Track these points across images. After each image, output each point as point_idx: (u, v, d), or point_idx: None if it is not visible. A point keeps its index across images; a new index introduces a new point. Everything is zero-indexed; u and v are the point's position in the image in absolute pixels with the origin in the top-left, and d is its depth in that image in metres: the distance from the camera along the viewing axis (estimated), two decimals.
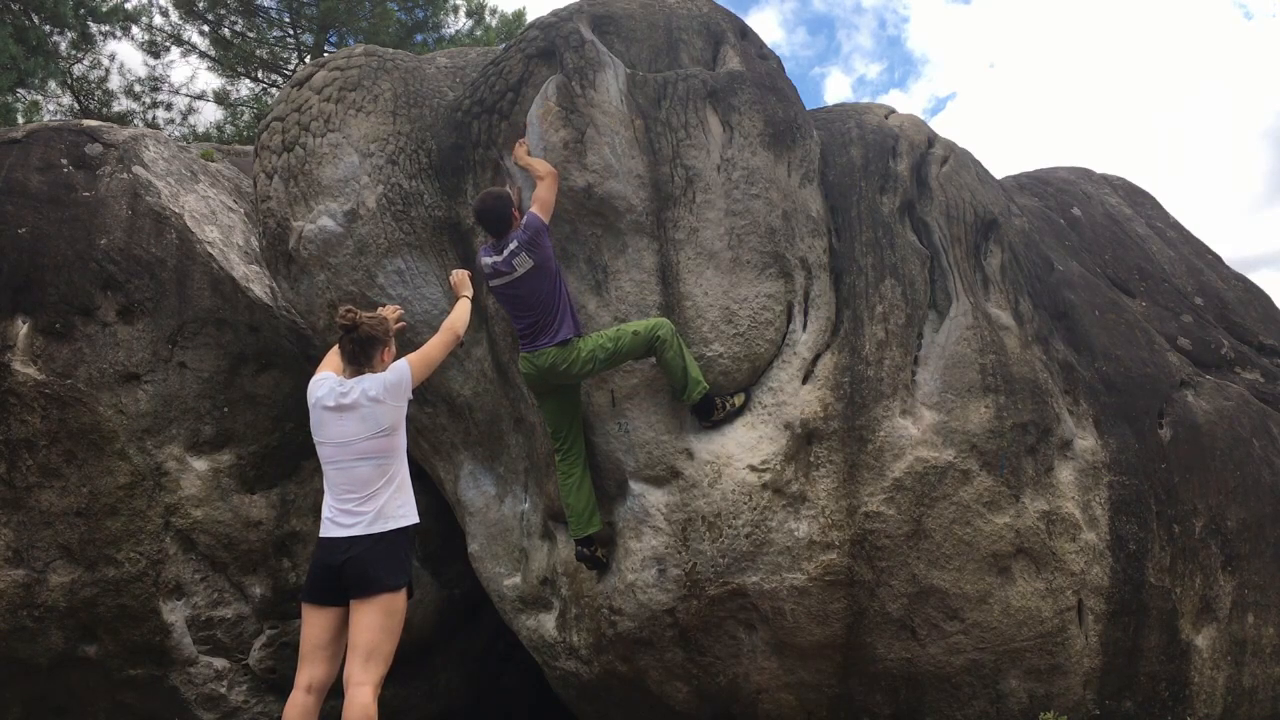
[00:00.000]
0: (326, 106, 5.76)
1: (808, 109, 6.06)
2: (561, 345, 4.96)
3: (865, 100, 10.13)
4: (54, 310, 6.18)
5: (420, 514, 4.32)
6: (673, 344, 5.03)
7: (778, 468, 5.10)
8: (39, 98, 16.39)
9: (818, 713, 5.40)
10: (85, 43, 16.70)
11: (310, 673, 4.01)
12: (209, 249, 6.68)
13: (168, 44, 17.54)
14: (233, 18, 17.76)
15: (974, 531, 5.18)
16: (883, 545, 5.12)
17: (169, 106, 17.98)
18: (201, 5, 17.37)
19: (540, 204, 5.01)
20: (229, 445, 6.38)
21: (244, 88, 18.20)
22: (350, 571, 3.96)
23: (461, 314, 4.67)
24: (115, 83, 17.65)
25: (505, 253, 4.96)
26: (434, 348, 4.42)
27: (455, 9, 18.22)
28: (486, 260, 5.05)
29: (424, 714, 6.86)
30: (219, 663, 6.30)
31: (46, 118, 15.67)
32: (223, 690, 6.29)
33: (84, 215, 6.45)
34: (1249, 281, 7.56)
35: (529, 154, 5.29)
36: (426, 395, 5.83)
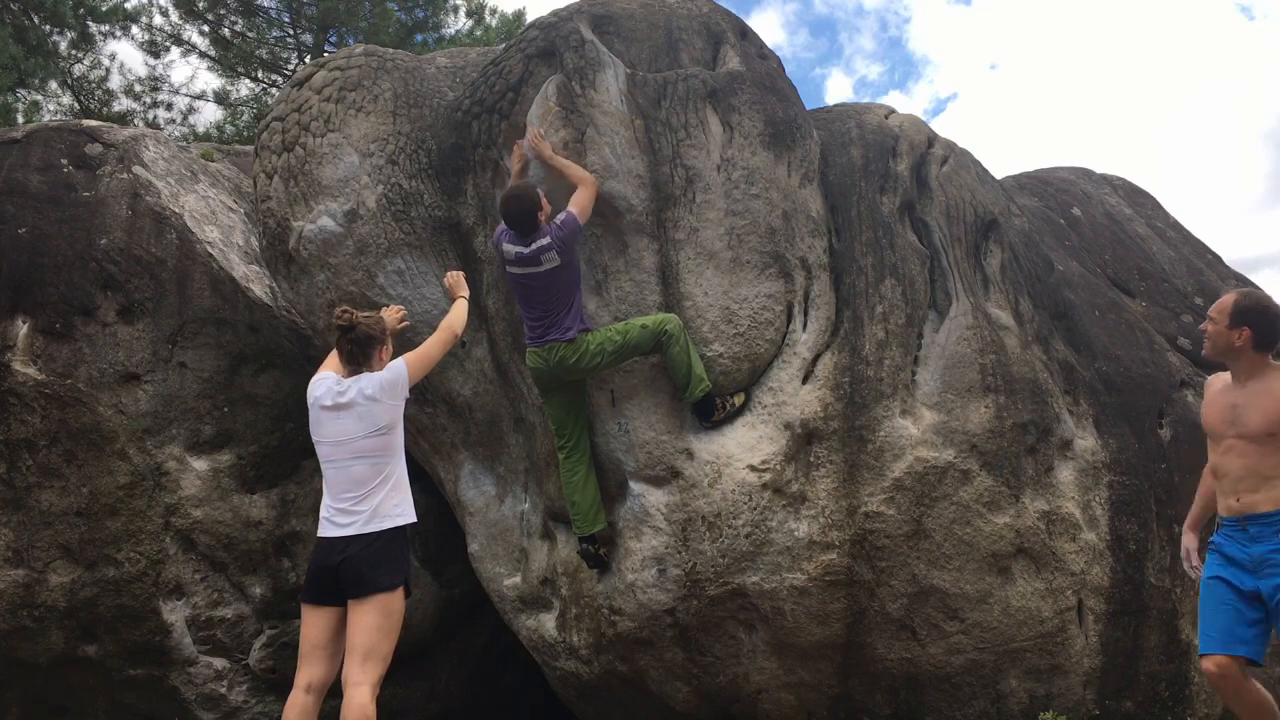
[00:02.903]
0: (326, 106, 5.76)
1: (808, 109, 6.06)
2: (571, 341, 4.97)
3: (866, 101, 10.13)
4: (54, 310, 6.18)
5: (420, 514, 4.31)
6: (679, 339, 5.04)
7: (778, 468, 5.10)
8: (39, 98, 16.42)
9: (818, 713, 5.40)
10: (85, 43, 16.71)
11: (309, 673, 4.01)
12: (209, 249, 6.69)
13: (168, 44, 17.56)
14: (233, 18, 17.77)
15: (974, 531, 5.18)
16: (883, 545, 5.12)
17: (169, 106, 18.00)
18: (201, 5, 17.38)
19: (579, 208, 4.98)
20: (229, 445, 6.38)
21: (244, 88, 18.22)
22: (347, 571, 3.96)
23: (459, 313, 4.67)
24: (115, 83, 17.68)
25: (533, 246, 4.93)
26: (432, 347, 4.42)
27: (455, 9, 18.23)
28: (510, 248, 5.01)
29: (424, 714, 6.86)
30: (219, 663, 6.30)
31: (46, 118, 15.68)
32: (223, 690, 6.29)
33: (84, 215, 6.45)
34: (1249, 282, 7.57)
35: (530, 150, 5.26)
36: (426, 395, 5.83)
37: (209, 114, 19.32)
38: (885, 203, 5.74)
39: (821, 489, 5.14)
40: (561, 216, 4.96)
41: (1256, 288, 4.35)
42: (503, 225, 5.11)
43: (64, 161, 6.68)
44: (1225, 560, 3.88)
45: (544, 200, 5.03)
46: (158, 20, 17.43)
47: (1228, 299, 4.02)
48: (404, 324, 4.72)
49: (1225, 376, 4.07)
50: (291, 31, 17.87)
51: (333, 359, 4.40)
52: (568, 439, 5.21)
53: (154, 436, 6.20)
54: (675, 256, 5.28)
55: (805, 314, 5.41)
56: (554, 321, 4.99)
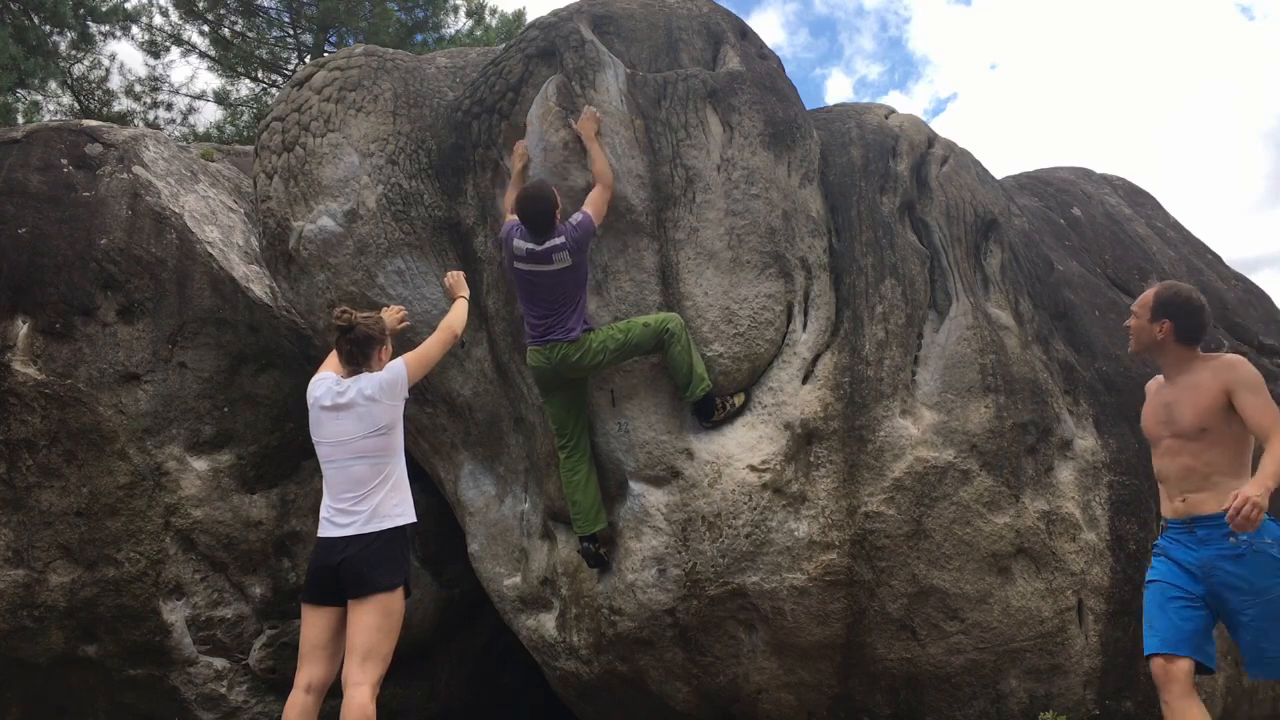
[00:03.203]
0: (326, 106, 5.76)
1: (808, 109, 6.06)
2: (574, 340, 4.97)
3: (866, 101, 10.13)
4: (54, 310, 6.18)
5: (420, 514, 4.31)
6: (681, 338, 5.04)
7: (778, 468, 5.10)
8: (39, 98, 16.43)
9: (818, 713, 5.40)
10: (85, 43, 16.72)
11: (310, 672, 4.01)
12: (209, 249, 6.69)
13: (168, 44, 17.57)
14: (233, 18, 17.79)
15: (974, 531, 5.18)
16: (883, 545, 5.12)
17: (169, 106, 18.01)
18: (201, 5, 17.39)
19: (595, 209, 5.00)
20: (229, 445, 6.38)
21: (244, 88, 18.23)
22: (346, 572, 3.96)
23: (459, 313, 4.67)
24: (115, 83, 17.69)
25: (546, 244, 4.92)
26: (431, 347, 4.42)
27: (455, 9, 18.24)
28: (521, 244, 4.99)
29: (424, 714, 6.86)
30: (219, 663, 6.30)
31: (46, 118, 15.68)
32: (223, 690, 6.29)
33: (84, 215, 6.45)
34: (1249, 281, 7.57)
35: (529, 150, 5.27)
36: (426, 395, 5.83)
37: (209, 114, 19.36)
38: (885, 203, 5.74)
39: (821, 489, 5.14)
40: (577, 218, 4.96)
41: (1182, 281, 4.28)
42: (512, 221, 5.11)
43: (64, 161, 6.68)
44: (1172, 564, 3.76)
45: (559, 200, 5.04)
46: (158, 20, 17.47)
47: (1149, 292, 3.91)
48: (404, 324, 4.72)
49: (1161, 378, 3.96)
50: (291, 31, 17.88)
51: (332, 359, 4.40)
52: (568, 438, 5.21)
53: (154, 436, 6.20)
54: (675, 256, 5.28)
55: (805, 314, 5.40)
56: (558, 321, 4.98)
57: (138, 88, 17.77)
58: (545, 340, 5.01)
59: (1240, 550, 3.60)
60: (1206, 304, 3.90)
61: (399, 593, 4.03)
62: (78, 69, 17.13)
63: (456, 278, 4.95)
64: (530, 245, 4.95)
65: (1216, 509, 3.62)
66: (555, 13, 5.74)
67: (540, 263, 4.94)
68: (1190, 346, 3.82)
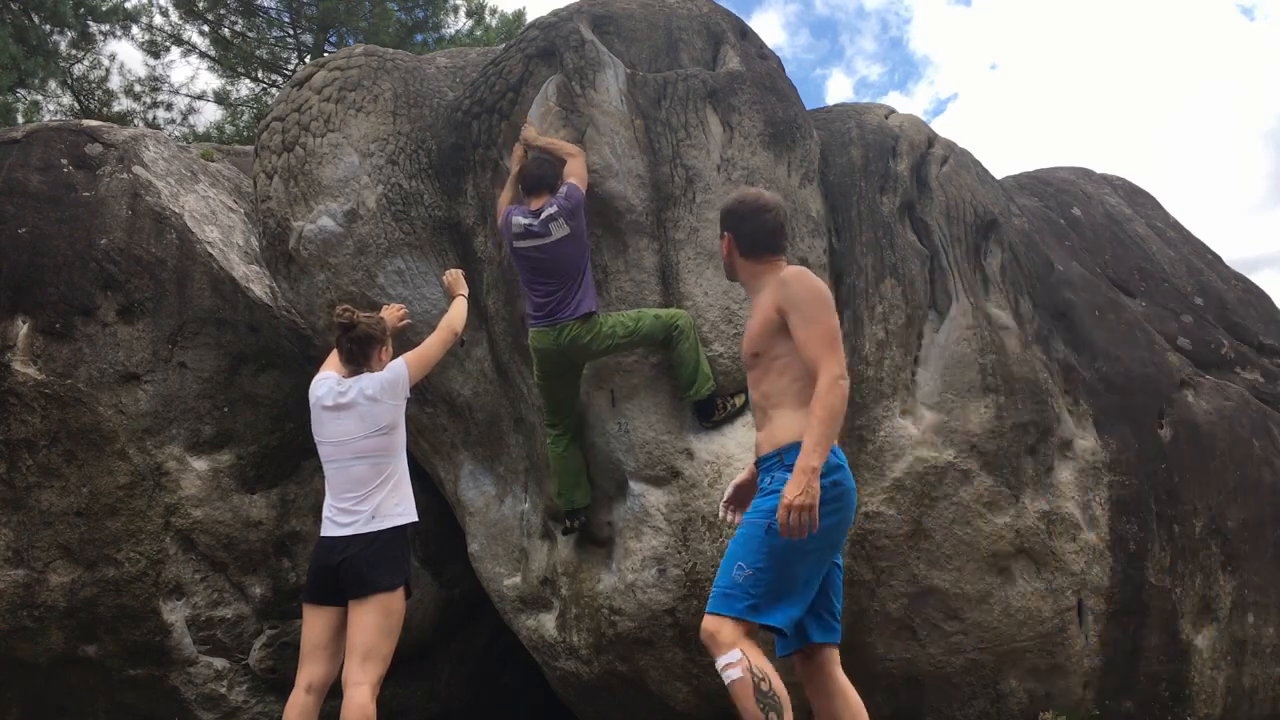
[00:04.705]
0: (326, 106, 5.76)
1: (808, 109, 6.06)
2: (584, 319, 4.96)
3: (866, 101, 10.13)
4: (54, 310, 6.18)
5: (420, 514, 4.31)
6: (689, 335, 5.05)
7: None
8: (39, 98, 16.42)
9: None
10: (85, 43, 16.72)
11: (310, 672, 4.01)
12: (209, 249, 6.68)
13: (168, 44, 17.55)
14: (233, 18, 17.77)
15: (974, 531, 5.18)
16: (883, 545, 5.12)
17: (169, 106, 18.00)
18: (201, 5, 17.38)
19: (578, 178, 5.04)
20: (229, 445, 6.38)
21: (244, 88, 18.22)
22: (347, 571, 3.96)
23: (459, 312, 4.67)
24: (115, 83, 17.68)
25: (542, 216, 4.95)
26: (432, 346, 4.42)
27: (455, 9, 18.23)
28: (519, 220, 5.02)
29: (424, 714, 6.85)
30: (219, 663, 6.30)
31: (46, 118, 15.67)
32: (223, 690, 6.29)
33: (84, 215, 6.44)
34: (1249, 281, 7.57)
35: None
36: (426, 395, 5.83)
37: (209, 114, 19.33)
38: (885, 203, 5.74)
39: None
40: (564, 188, 5.00)
41: (761, 189, 3.69)
42: (509, 208, 5.14)
43: (64, 161, 6.67)
44: None
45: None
46: (158, 20, 17.44)
47: None
48: (404, 323, 4.72)
49: None
50: (291, 31, 17.87)
51: (333, 359, 4.40)
52: (559, 428, 5.22)
53: (154, 436, 6.20)
54: (675, 256, 5.28)
55: None
56: (564, 298, 4.96)
57: (138, 88, 17.77)
58: (554, 320, 4.97)
59: (775, 489, 3.00)
60: (775, 205, 3.26)
61: (399, 593, 4.03)
62: (78, 69, 17.13)
63: (455, 276, 4.94)
64: (529, 221, 4.97)
65: (769, 449, 3.08)
66: (555, 13, 5.74)
67: (539, 237, 4.96)
68: (757, 259, 3.21)
